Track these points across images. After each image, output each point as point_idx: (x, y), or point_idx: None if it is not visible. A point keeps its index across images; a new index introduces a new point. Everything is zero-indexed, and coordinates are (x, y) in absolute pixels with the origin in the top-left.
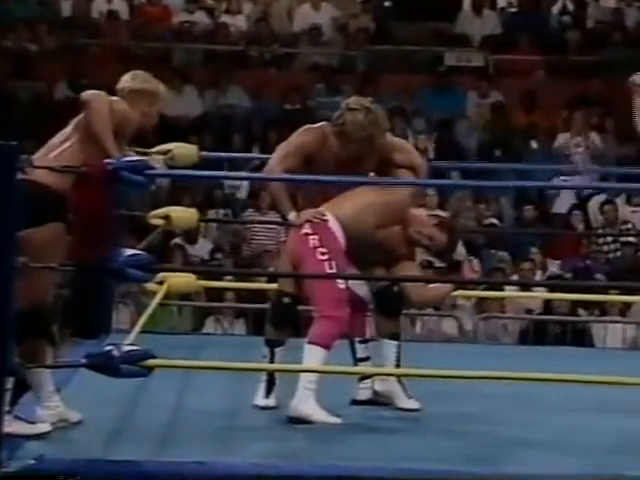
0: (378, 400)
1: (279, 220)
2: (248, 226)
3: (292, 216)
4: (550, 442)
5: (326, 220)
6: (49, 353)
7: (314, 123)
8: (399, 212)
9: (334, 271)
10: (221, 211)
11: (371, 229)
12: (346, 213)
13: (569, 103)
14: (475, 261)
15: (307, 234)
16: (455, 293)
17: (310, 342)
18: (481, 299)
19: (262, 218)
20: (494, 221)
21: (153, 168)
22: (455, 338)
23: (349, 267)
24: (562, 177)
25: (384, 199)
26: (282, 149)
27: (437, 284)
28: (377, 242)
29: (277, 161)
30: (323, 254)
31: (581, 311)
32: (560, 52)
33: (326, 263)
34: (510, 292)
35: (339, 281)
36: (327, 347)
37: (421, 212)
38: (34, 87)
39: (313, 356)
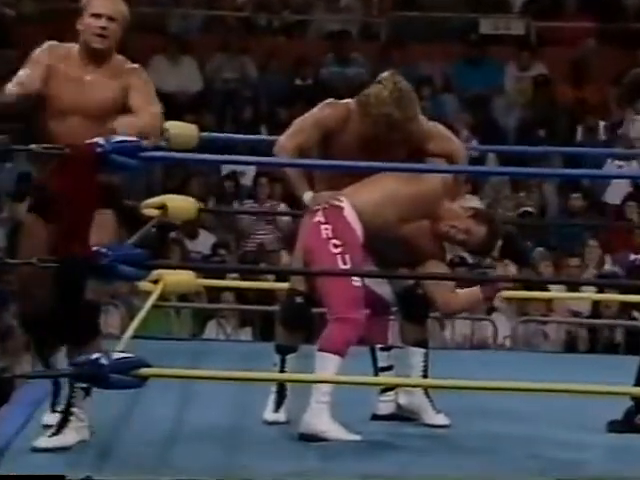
0: (402, 415)
1: (288, 210)
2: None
3: (308, 197)
4: (595, 466)
5: (342, 207)
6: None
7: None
8: (428, 205)
9: (348, 266)
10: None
11: (393, 223)
12: (364, 202)
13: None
14: (512, 267)
15: (319, 222)
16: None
17: (321, 349)
18: (520, 300)
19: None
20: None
21: (147, 150)
22: (490, 345)
23: (366, 263)
24: (617, 162)
25: (410, 189)
26: (298, 122)
27: (470, 289)
28: (400, 238)
29: (290, 135)
30: (336, 246)
31: (636, 314)
32: (615, 18)
33: (339, 257)
34: (554, 293)
35: (354, 278)
36: (341, 354)
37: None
38: (10, 56)
39: (326, 365)
